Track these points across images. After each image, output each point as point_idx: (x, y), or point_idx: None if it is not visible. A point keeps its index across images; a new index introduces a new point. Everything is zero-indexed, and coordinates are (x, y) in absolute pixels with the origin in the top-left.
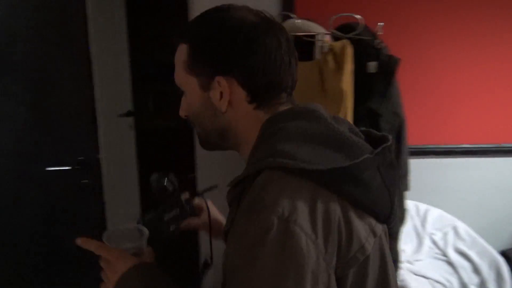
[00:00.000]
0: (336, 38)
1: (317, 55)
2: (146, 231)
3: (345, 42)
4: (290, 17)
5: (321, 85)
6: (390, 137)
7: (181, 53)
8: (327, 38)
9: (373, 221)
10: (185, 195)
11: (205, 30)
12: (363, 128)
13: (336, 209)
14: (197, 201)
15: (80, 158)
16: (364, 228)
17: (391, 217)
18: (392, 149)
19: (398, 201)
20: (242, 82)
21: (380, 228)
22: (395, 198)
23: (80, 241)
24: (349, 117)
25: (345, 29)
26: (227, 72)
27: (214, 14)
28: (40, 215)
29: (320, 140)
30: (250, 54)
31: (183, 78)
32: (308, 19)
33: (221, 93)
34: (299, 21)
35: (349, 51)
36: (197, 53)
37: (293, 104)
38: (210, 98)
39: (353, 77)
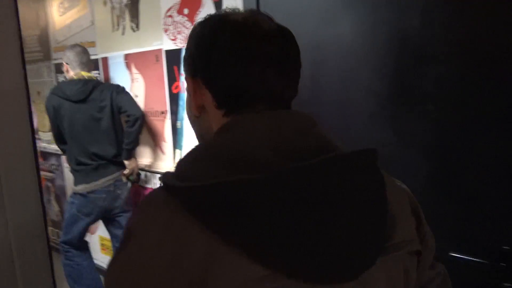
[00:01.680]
0: None
1: None
2: None
3: None
4: None
5: None
6: (339, 150)
7: None
8: None
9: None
10: None
11: (189, 34)
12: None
13: (196, 243)
14: None
15: (505, 247)
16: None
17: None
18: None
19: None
20: (206, 84)
21: None
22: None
23: None
24: None
25: None
26: (194, 74)
27: (205, 18)
28: None
29: (217, 157)
30: (210, 57)
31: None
32: None
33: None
34: None
35: None
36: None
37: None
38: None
39: None
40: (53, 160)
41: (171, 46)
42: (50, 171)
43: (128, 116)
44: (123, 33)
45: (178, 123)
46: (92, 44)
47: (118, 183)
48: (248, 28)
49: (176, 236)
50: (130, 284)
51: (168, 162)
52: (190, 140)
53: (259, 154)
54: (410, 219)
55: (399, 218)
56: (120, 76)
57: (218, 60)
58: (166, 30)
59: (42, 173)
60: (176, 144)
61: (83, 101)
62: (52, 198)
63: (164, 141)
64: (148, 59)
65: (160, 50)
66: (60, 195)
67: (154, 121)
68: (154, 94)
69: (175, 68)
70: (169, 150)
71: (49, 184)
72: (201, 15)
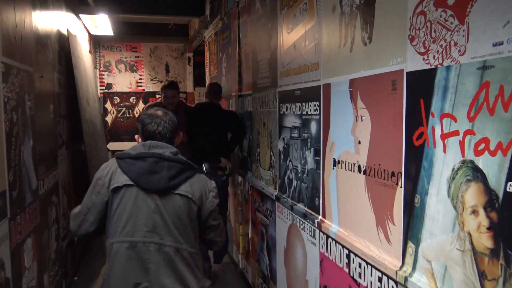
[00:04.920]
0: None
1: None
2: None
3: None
4: None
5: None
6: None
7: None
8: None
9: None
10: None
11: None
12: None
13: (112, 168)
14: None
15: None
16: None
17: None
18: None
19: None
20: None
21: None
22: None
23: None
24: None
25: None
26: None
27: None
28: None
29: (136, 146)
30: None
31: None
32: None
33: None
34: None
35: None
36: None
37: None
38: None
39: None
40: (268, 204)
41: (418, 64)
42: (265, 216)
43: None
44: (350, 49)
45: (417, 198)
46: (316, 66)
47: None
48: (149, 114)
49: (107, 167)
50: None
51: (392, 257)
52: (434, 232)
53: (138, 149)
54: (197, 190)
55: (191, 186)
56: (342, 110)
57: (143, 128)
58: (412, 38)
59: (259, 215)
60: (410, 232)
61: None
62: (265, 247)
63: (392, 222)
64: (380, 87)
65: (399, 72)
66: (270, 247)
67: (380, 185)
68: (384, 143)
69: (422, 102)
70: (396, 239)
71: (263, 230)
72: (476, 6)
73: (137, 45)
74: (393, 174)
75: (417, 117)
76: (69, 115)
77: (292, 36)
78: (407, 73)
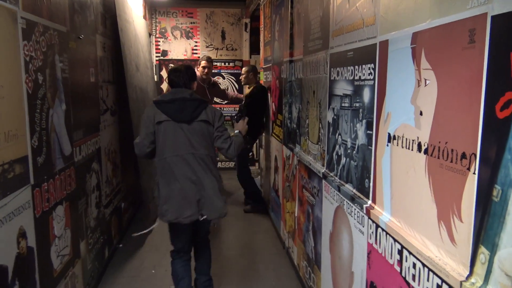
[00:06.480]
0: None
1: None
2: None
3: None
4: None
5: None
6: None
7: None
8: None
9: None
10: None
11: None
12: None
13: (153, 110)
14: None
15: None
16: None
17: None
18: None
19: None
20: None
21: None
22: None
23: None
24: None
25: None
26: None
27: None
28: None
29: (166, 94)
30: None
31: None
32: None
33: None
34: None
35: None
36: None
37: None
38: None
39: None
40: (315, 182)
41: (509, 3)
42: (312, 195)
43: None
44: None
45: (496, 190)
46: (372, 20)
47: None
48: (173, 69)
49: (150, 109)
50: (142, 122)
51: (456, 263)
52: None
53: (168, 96)
54: (210, 115)
55: (206, 113)
56: (401, 73)
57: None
58: None
59: (305, 193)
60: (484, 234)
61: None
62: (310, 228)
63: (458, 218)
64: (453, 40)
65: (481, 17)
66: (316, 229)
67: (445, 169)
68: (453, 114)
69: None
70: (463, 240)
71: (309, 210)
72: None
73: (193, 11)
74: (463, 156)
75: (503, 78)
76: (116, 81)
77: None
78: (493, 17)
